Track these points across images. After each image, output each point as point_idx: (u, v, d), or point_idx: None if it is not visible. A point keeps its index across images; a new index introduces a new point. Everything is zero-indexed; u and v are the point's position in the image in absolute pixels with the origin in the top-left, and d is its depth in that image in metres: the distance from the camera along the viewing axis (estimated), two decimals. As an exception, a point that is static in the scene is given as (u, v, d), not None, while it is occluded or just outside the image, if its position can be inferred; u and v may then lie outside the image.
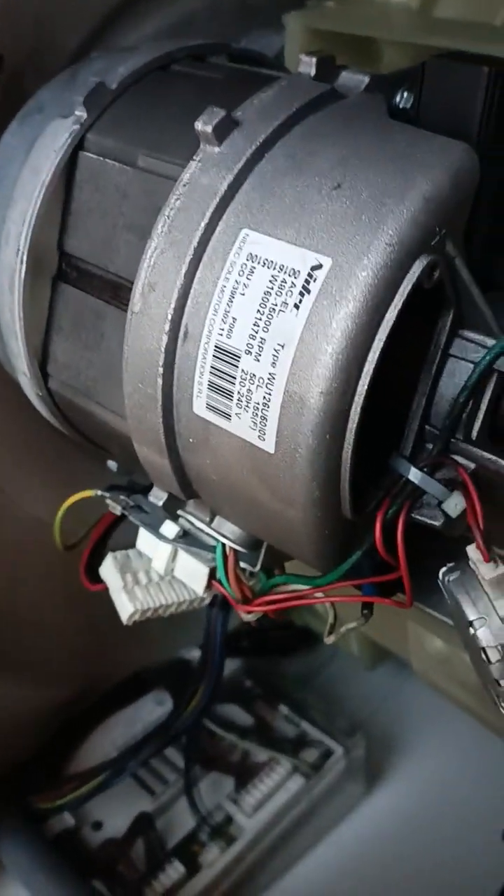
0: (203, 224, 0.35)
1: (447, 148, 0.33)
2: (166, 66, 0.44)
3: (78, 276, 0.43)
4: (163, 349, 0.36)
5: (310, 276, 0.33)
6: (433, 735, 0.89)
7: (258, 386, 0.34)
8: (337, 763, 0.83)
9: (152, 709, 0.83)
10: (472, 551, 0.34)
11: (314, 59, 0.38)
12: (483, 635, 0.34)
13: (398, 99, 0.40)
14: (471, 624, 0.35)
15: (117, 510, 0.51)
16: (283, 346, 0.33)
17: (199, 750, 0.81)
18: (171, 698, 0.82)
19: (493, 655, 0.34)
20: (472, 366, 0.36)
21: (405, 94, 0.39)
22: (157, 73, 0.43)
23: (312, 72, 0.38)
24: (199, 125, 0.35)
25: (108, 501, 0.51)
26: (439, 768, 0.87)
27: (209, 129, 0.35)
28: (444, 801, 0.84)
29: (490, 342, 0.36)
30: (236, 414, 0.35)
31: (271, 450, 0.34)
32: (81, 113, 0.41)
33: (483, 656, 0.34)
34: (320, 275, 0.33)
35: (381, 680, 0.95)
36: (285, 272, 0.33)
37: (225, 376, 0.35)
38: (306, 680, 0.94)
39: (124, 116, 0.41)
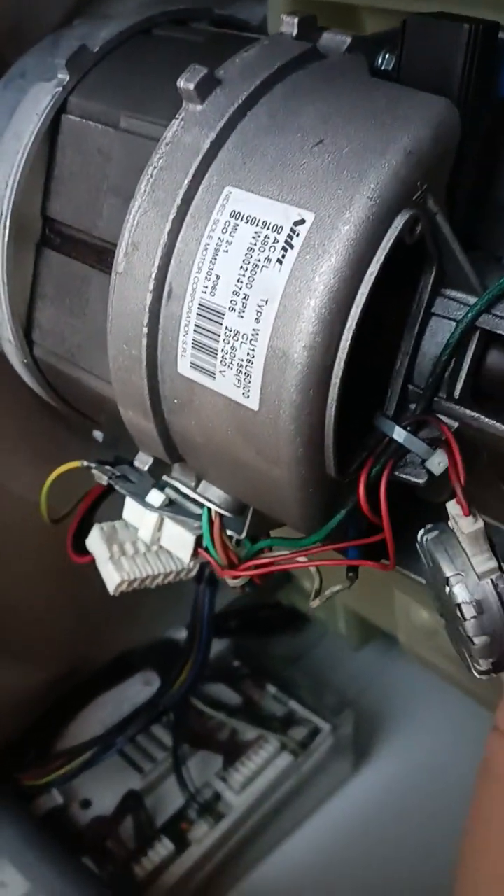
0: (186, 182, 0.35)
1: (428, 103, 0.34)
2: (148, 30, 0.44)
3: (62, 241, 0.43)
4: (147, 309, 0.36)
5: (292, 231, 0.33)
6: (421, 714, 0.90)
7: (242, 343, 0.34)
8: (325, 741, 0.83)
9: (140, 689, 0.83)
10: (452, 506, 0.34)
11: (296, 19, 0.38)
12: (459, 591, 0.34)
13: (380, 61, 0.40)
14: (447, 581, 0.35)
15: (103, 480, 0.51)
16: (266, 302, 0.33)
17: (188, 728, 0.81)
18: (159, 678, 0.82)
19: (468, 612, 0.34)
20: (454, 324, 0.36)
21: (387, 56, 0.39)
22: (140, 36, 0.43)
23: (294, 32, 0.38)
24: (181, 83, 0.35)
25: (95, 472, 0.51)
26: (427, 746, 0.88)
27: (191, 86, 0.35)
28: (431, 779, 0.85)
29: (472, 300, 0.36)
30: (220, 372, 0.35)
31: (255, 407, 0.34)
32: (64, 76, 0.41)
33: (458, 613, 0.34)
34: (303, 230, 0.33)
35: (369, 660, 0.95)
36: (268, 228, 0.33)
37: (209, 334, 0.35)
38: (295, 660, 0.94)
39: (107, 79, 0.41)
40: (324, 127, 0.34)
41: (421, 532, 0.38)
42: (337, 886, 0.78)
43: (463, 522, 0.34)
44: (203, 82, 0.35)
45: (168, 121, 0.37)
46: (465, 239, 0.38)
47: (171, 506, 0.48)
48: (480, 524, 0.34)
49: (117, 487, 0.50)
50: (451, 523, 0.36)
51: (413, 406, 0.38)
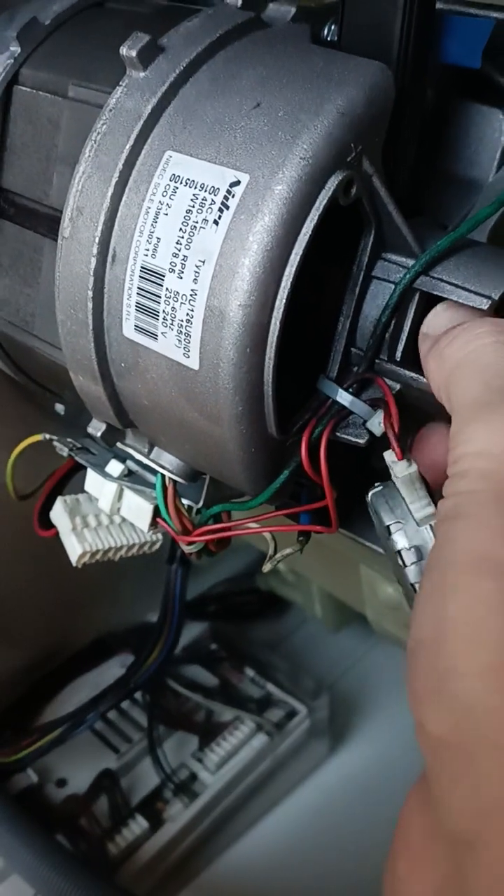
0: (128, 147, 0.36)
1: (362, 66, 0.34)
2: (101, 3, 0.45)
3: (16, 211, 0.44)
4: (91, 273, 0.37)
5: (228, 192, 0.33)
6: (397, 698, 0.90)
7: (182, 303, 0.35)
8: (301, 723, 0.84)
9: (118, 672, 0.83)
10: (388, 454, 0.35)
11: (241, -11, 0.38)
12: (398, 538, 0.35)
13: (326, 31, 0.40)
14: (388, 529, 0.35)
15: (64, 452, 0.51)
16: (203, 262, 0.34)
17: (164, 709, 0.82)
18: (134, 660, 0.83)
19: (408, 558, 0.35)
20: (394, 286, 0.37)
21: (332, 27, 0.40)
22: (92, 9, 0.44)
23: (239, 2, 0.39)
24: (123, 50, 0.36)
25: (56, 444, 0.52)
26: (403, 730, 0.87)
27: (133, 53, 0.36)
28: (407, 762, 0.85)
29: (410, 263, 0.37)
30: (162, 333, 0.36)
31: (196, 366, 0.35)
32: (16, 48, 0.42)
33: (399, 560, 0.35)
34: (238, 191, 0.33)
35: (348, 646, 0.96)
36: (206, 190, 0.34)
37: (151, 296, 0.36)
38: (274, 645, 0.95)
39: (57, 50, 0.42)
40: (261, 90, 0.34)
41: (369, 491, 0.39)
42: (311, 866, 0.78)
43: (398, 467, 0.35)
44: (145, 49, 0.36)
45: (114, 88, 0.37)
46: (410, 205, 0.39)
47: (130, 476, 0.49)
48: (414, 468, 0.35)
49: (77, 458, 0.51)
50: (390, 470, 0.36)
51: (356, 368, 0.39)
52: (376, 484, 0.38)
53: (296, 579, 0.86)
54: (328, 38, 0.40)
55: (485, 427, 0.29)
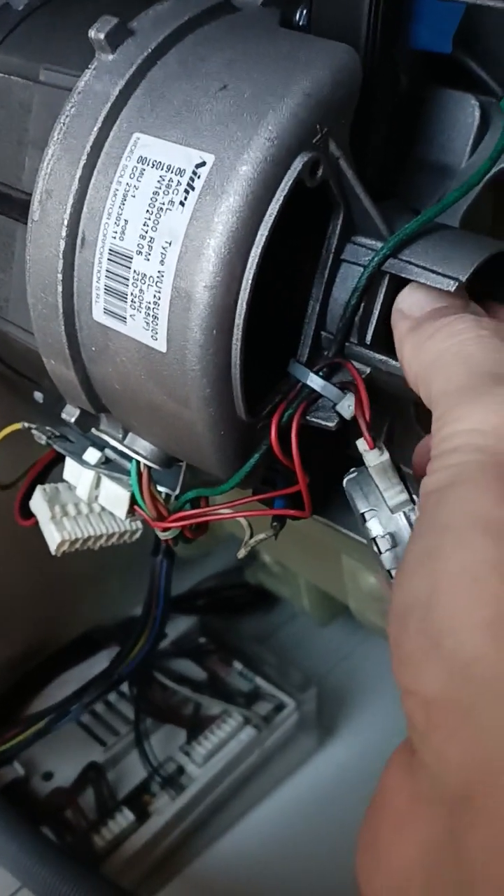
0: (96, 129, 0.36)
1: (328, 48, 0.34)
2: (76, -9, 0.45)
3: (-10, 197, 0.44)
4: (61, 256, 0.37)
5: (194, 173, 0.33)
6: (386, 692, 0.90)
7: (149, 285, 0.35)
8: (289, 716, 0.84)
9: (105, 665, 0.84)
10: (360, 442, 0.35)
11: (211, -26, 0.38)
12: (372, 525, 0.35)
13: (298, 17, 0.40)
14: (363, 517, 0.35)
15: (42, 440, 0.52)
16: (170, 244, 0.34)
17: (151, 702, 0.82)
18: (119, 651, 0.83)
19: (383, 545, 0.35)
20: (363, 269, 0.37)
21: (304, 12, 0.40)
22: (66, -4, 0.44)
23: (209, -14, 0.39)
24: (92, 33, 0.36)
25: (34, 432, 0.52)
26: (391, 724, 0.87)
27: (101, 36, 0.36)
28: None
29: (379, 245, 0.37)
30: (131, 316, 0.36)
31: (163, 349, 0.35)
32: (-11, 34, 0.42)
33: (374, 547, 0.35)
34: (204, 172, 0.33)
35: (336, 640, 0.96)
36: (172, 171, 0.34)
37: (119, 279, 0.36)
38: (262, 639, 0.95)
39: (30, 35, 0.42)
40: (228, 72, 0.34)
41: (344, 477, 0.39)
42: (300, 860, 0.78)
43: (370, 456, 0.35)
44: (113, 32, 0.36)
45: (83, 71, 0.37)
46: (381, 189, 0.39)
47: (107, 464, 0.49)
48: (386, 456, 0.35)
49: (55, 447, 0.51)
50: (363, 458, 0.36)
51: (326, 352, 0.39)
52: (351, 469, 0.38)
53: (283, 572, 0.86)
54: (300, 23, 0.40)
55: (474, 407, 0.29)
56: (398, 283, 0.37)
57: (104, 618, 0.89)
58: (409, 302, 0.36)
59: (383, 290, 0.37)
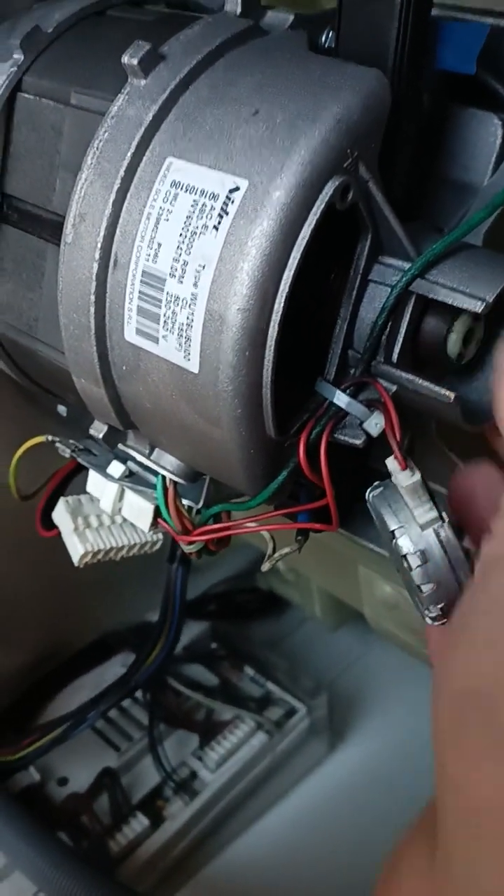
0: (129, 154, 0.36)
1: (358, 73, 0.35)
2: (103, 12, 0.45)
3: (19, 216, 0.44)
4: (94, 278, 0.38)
5: (228, 198, 0.34)
6: (396, 697, 0.91)
7: (182, 307, 0.35)
8: (300, 721, 0.84)
9: (119, 671, 0.84)
10: (391, 462, 0.36)
11: (239, -2, 0.39)
12: (403, 543, 0.36)
13: (324, 38, 0.41)
14: (392, 533, 0.36)
15: (66, 453, 0.52)
16: (203, 267, 0.35)
17: (164, 708, 0.82)
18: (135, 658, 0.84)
19: (413, 562, 0.35)
20: (390, 289, 0.37)
21: (331, 34, 0.41)
22: (94, 17, 0.45)
23: (238, 10, 0.39)
24: (125, 59, 0.37)
25: (58, 445, 0.53)
26: (402, 729, 0.89)
27: (135, 61, 0.37)
28: (406, 761, 0.86)
29: (406, 266, 0.37)
30: (163, 337, 0.36)
31: (196, 370, 0.36)
32: (19, 56, 0.43)
33: (405, 564, 0.36)
34: (237, 196, 0.34)
35: (346, 645, 0.97)
36: (205, 196, 0.35)
37: (152, 300, 0.36)
38: (273, 644, 0.95)
39: (60, 58, 0.43)
40: (259, 97, 0.35)
41: (368, 491, 0.39)
42: (311, 864, 0.79)
43: (401, 477, 0.36)
44: (146, 57, 0.37)
45: (115, 96, 0.38)
46: (407, 210, 0.40)
47: (131, 477, 0.50)
48: (417, 477, 0.35)
49: (79, 459, 0.51)
50: (392, 478, 0.37)
51: (353, 370, 0.39)
52: (375, 484, 0.39)
53: (295, 578, 0.87)
54: (326, 45, 0.41)
55: None
56: (425, 304, 0.38)
57: (117, 623, 0.90)
58: None
59: (409, 309, 0.38)
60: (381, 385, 0.37)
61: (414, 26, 0.36)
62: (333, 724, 0.88)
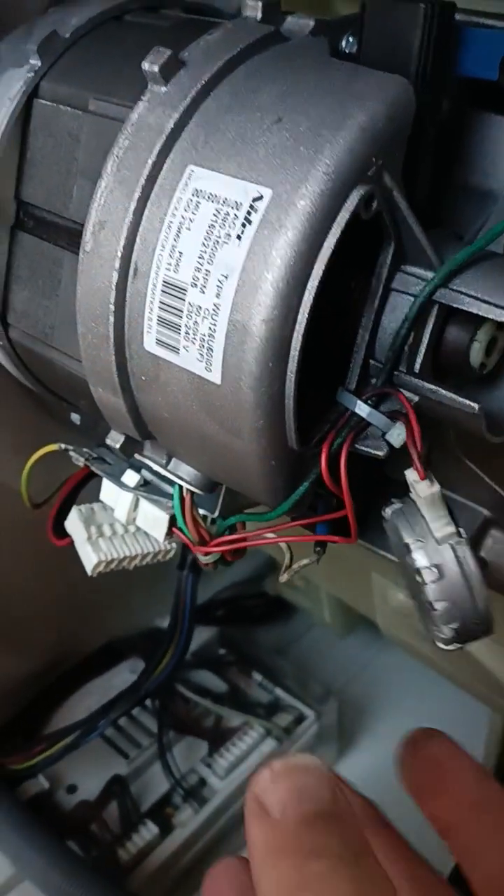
0: (150, 162, 0.36)
1: (383, 81, 0.34)
2: (120, 17, 0.45)
3: (35, 223, 0.44)
4: (113, 287, 0.37)
5: (251, 207, 0.34)
6: (405, 703, 0.91)
7: (204, 318, 0.35)
8: (309, 728, 0.84)
9: (127, 677, 0.84)
10: (410, 472, 0.35)
11: (259, 3, 0.38)
12: (418, 556, 0.35)
13: (344, 44, 0.40)
14: (407, 547, 0.36)
15: (80, 462, 0.52)
16: (226, 277, 0.34)
17: (173, 715, 0.82)
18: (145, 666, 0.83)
19: (428, 576, 0.35)
20: (413, 299, 0.37)
21: (350, 39, 0.40)
22: (111, 22, 0.44)
23: (258, 15, 0.39)
24: (145, 65, 0.36)
25: (72, 454, 0.52)
26: (411, 734, 0.88)
27: (156, 68, 0.36)
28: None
29: (429, 275, 0.37)
30: (184, 347, 0.36)
31: (217, 381, 0.35)
32: (35, 61, 0.42)
33: (419, 579, 0.35)
34: (261, 206, 0.33)
35: (355, 650, 0.96)
36: (228, 205, 0.34)
37: (173, 310, 0.36)
38: (281, 649, 0.95)
39: (77, 63, 0.42)
40: (282, 105, 0.35)
41: (384, 507, 0.39)
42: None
43: (420, 487, 0.35)
44: (167, 64, 0.36)
45: (134, 102, 0.37)
46: (428, 218, 0.39)
47: (145, 486, 0.49)
48: (436, 488, 0.35)
49: (93, 468, 0.51)
50: (410, 488, 0.37)
51: (374, 380, 0.39)
52: (392, 500, 0.38)
53: (305, 585, 0.86)
54: (346, 51, 0.41)
55: None
56: (447, 313, 0.38)
57: (126, 629, 0.89)
58: None
59: (433, 319, 0.37)
60: (403, 395, 0.37)
61: (438, 33, 0.36)
62: (342, 731, 0.87)
